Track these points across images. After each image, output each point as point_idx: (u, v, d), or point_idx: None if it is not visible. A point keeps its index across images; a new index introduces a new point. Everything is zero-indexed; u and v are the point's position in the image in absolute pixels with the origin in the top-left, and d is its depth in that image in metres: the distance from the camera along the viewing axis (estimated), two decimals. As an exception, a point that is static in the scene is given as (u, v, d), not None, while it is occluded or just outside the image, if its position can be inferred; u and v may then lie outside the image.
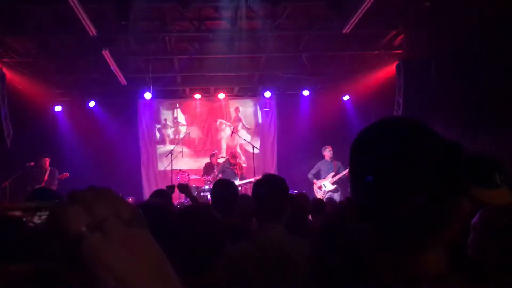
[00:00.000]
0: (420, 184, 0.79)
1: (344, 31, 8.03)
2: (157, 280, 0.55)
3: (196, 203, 4.66)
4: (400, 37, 9.32)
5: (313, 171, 9.94)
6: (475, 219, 1.77)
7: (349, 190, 0.94)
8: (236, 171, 9.92)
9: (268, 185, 2.56)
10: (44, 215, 0.59)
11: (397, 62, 9.29)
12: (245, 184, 9.76)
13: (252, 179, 9.94)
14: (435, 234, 0.80)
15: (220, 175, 9.81)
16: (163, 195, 4.36)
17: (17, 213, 0.59)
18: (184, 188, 4.80)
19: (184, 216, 1.85)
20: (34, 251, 0.57)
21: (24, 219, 0.58)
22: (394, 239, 0.80)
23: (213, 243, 1.72)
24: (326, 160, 9.82)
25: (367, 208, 0.83)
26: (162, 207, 1.85)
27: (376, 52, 9.75)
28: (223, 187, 3.50)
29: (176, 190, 5.20)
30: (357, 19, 7.50)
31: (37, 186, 8.66)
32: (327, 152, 9.83)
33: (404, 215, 0.79)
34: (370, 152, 0.85)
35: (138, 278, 0.54)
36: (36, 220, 0.58)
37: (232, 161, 10.06)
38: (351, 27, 7.82)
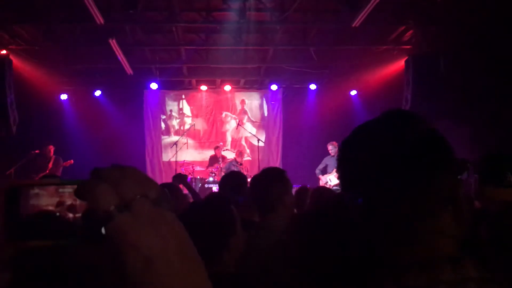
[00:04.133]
0: (404, 173, 0.82)
1: (353, 25, 7.95)
2: (183, 261, 0.55)
3: (194, 194, 4.65)
4: (409, 32, 9.23)
5: (320, 166, 9.90)
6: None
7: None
8: (242, 171, 9.93)
9: (264, 176, 2.57)
10: (66, 191, 0.58)
11: (406, 58, 9.20)
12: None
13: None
14: (430, 219, 0.81)
15: (224, 171, 9.83)
16: (170, 188, 4.31)
17: (50, 208, 0.58)
18: (182, 179, 4.81)
19: (196, 207, 1.84)
20: (55, 229, 0.57)
21: (58, 214, 0.58)
22: (399, 226, 0.82)
23: (222, 234, 1.70)
24: (333, 156, 9.76)
25: (364, 202, 0.85)
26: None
27: (385, 47, 9.67)
28: (231, 179, 3.47)
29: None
30: (367, 13, 7.43)
31: (41, 174, 8.68)
32: (331, 148, 9.78)
33: (395, 205, 0.82)
34: (358, 151, 0.89)
35: (164, 257, 0.53)
36: (70, 215, 0.58)
37: (238, 159, 10.08)
38: (361, 21, 7.75)
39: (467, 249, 0.83)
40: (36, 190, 0.58)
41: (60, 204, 0.57)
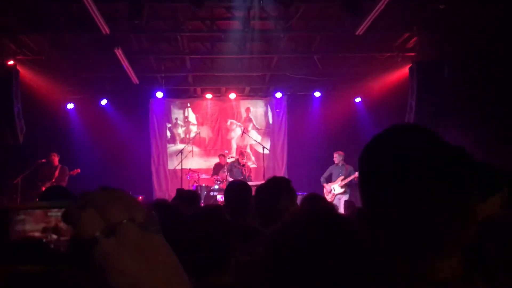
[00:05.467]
0: (426, 191, 0.79)
1: (357, 32, 7.98)
2: (170, 285, 0.54)
3: None
4: (413, 39, 9.25)
5: (325, 174, 9.90)
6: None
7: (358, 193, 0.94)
8: (244, 172, 9.94)
9: (269, 186, 2.56)
10: (55, 215, 0.57)
11: (410, 65, 9.21)
12: (253, 186, 9.73)
13: (259, 183, 9.93)
14: (446, 239, 0.79)
15: (227, 174, 9.84)
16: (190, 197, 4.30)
17: (37, 234, 0.58)
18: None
19: (194, 218, 1.85)
20: (43, 254, 0.56)
21: (44, 240, 0.58)
22: (406, 246, 0.80)
23: (223, 245, 1.71)
24: (337, 164, 9.77)
25: (378, 215, 0.84)
26: (172, 208, 1.85)
27: (389, 54, 9.67)
28: (237, 189, 3.47)
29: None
30: (371, 21, 7.45)
31: (48, 183, 8.73)
32: (336, 156, 9.78)
33: (411, 222, 0.79)
34: (377, 161, 0.86)
35: (151, 283, 0.52)
36: (55, 239, 0.57)
37: (241, 160, 10.09)
38: (364, 28, 7.77)
39: (474, 265, 0.82)
40: (22, 216, 0.57)
41: (46, 229, 0.57)
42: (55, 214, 0.58)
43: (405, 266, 0.81)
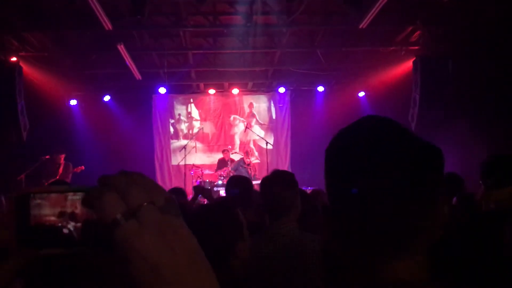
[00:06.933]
0: (393, 189, 0.77)
1: (360, 26, 7.93)
2: (191, 268, 0.54)
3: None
4: (417, 33, 9.19)
5: None
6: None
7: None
8: (249, 172, 9.96)
9: (276, 180, 2.53)
10: (71, 199, 0.58)
11: (414, 58, 9.17)
12: (258, 184, 9.74)
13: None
14: (407, 240, 0.77)
15: (233, 173, 9.86)
16: (179, 192, 4.35)
17: (52, 219, 0.57)
18: (203, 190, 4.83)
19: (202, 212, 1.84)
20: (63, 237, 0.57)
21: (60, 224, 0.57)
22: (366, 245, 0.79)
23: (228, 240, 1.69)
24: None
25: (343, 214, 0.82)
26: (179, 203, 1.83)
27: (392, 48, 9.63)
28: (238, 183, 3.47)
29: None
30: (374, 14, 7.41)
31: (52, 180, 8.75)
32: None
33: (375, 221, 0.77)
34: (345, 157, 0.85)
35: (172, 265, 0.52)
36: (71, 224, 0.57)
37: (245, 160, 10.11)
38: (368, 22, 7.73)
39: (438, 267, 0.80)
40: (38, 200, 0.58)
41: (63, 213, 0.57)
42: (71, 198, 0.58)
43: (365, 264, 0.79)
